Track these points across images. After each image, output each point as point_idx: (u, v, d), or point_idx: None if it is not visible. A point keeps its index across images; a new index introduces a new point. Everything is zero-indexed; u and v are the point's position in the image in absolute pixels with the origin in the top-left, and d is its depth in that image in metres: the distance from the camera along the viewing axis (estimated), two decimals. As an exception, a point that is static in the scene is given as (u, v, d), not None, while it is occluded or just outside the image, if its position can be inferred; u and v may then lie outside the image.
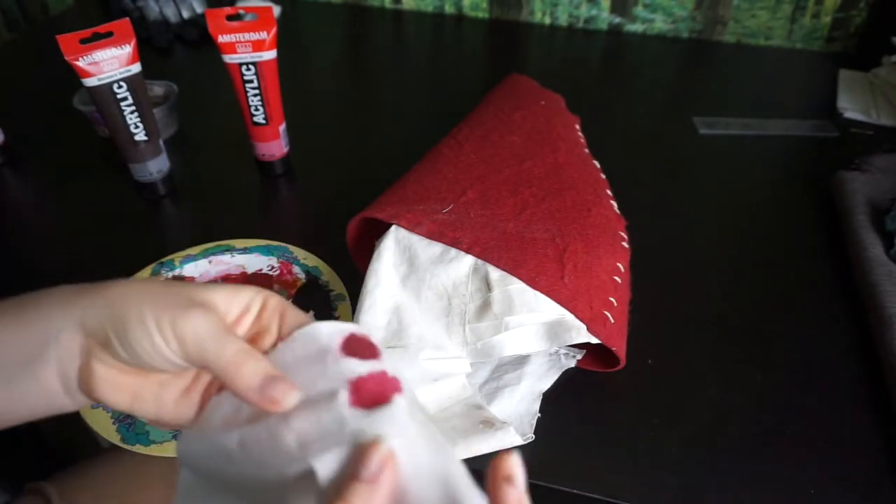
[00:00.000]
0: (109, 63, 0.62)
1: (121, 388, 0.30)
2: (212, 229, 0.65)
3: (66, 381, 0.29)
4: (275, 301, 0.32)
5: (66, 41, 0.59)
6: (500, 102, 0.67)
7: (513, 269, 0.46)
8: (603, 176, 0.60)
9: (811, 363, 0.53)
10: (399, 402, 0.27)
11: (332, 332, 0.30)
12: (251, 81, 0.67)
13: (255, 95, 0.68)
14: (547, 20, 1.14)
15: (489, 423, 0.44)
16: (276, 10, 1.13)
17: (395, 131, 0.84)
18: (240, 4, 1.12)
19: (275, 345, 0.32)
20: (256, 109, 0.70)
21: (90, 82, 0.61)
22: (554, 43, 1.10)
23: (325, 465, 0.26)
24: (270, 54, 0.67)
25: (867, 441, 0.48)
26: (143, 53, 0.64)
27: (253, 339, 0.32)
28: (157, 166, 0.70)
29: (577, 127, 0.67)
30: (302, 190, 0.75)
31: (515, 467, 0.25)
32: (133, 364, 0.29)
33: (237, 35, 0.65)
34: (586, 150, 0.64)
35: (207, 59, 1.01)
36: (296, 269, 0.60)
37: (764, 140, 0.82)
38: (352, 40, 1.12)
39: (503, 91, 0.70)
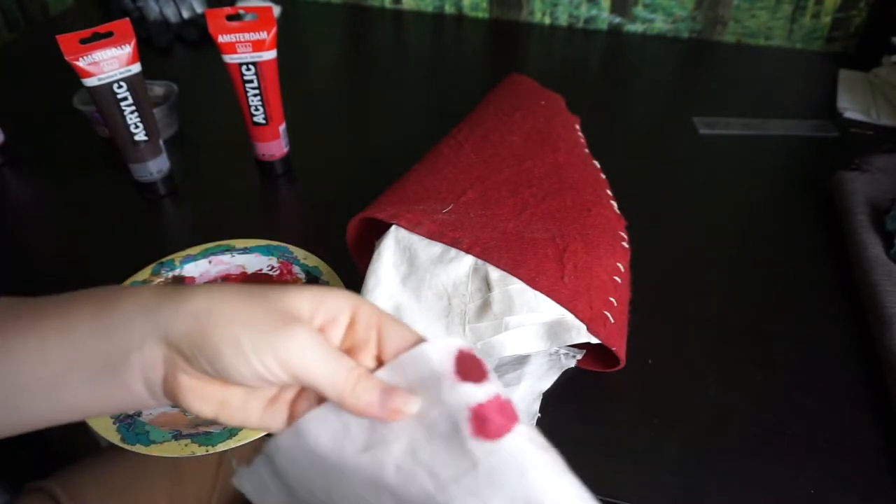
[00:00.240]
0: (109, 63, 0.62)
1: (207, 397, 0.29)
2: (212, 229, 0.65)
3: (151, 386, 0.29)
4: (367, 311, 0.30)
5: (66, 41, 0.59)
6: (500, 102, 0.67)
7: (513, 269, 0.46)
8: (603, 176, 0.60)
9: (811, 363, 0.53)
10: (521, 431, 0.27)
11: (442, 353, 0.28)
12: (251, 81, 0.67)
13: (255, 95, 0.68)
14: (547, 20, 1.14)
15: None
16: (276, 10, 1.13)
17: (395, 131, 0.84)
18: (240, 4, 1.12)
19: (377, 362, 0.30)
20: (256, 109, 0.70)
21: (90, 82, 0.61)
22: (554, 43, 1.09)
23: None
24: (270, 54, 0.67)
25: (867, 441, 0.48)
26: (143, 53, 0.64)
27: (352, 352, 0.30)
28: (157, 166, 0.70)
29: (577, 127, 0.67)
30: (302, 190, 0.75)
31: None
32: (221, 380, 0.28)
33: (237, 35, 0.65)
34: (586, 150, 0.64)
35: (207, 59, 1.01)
36: (296, 269, 0.60)
37: (764, 140, 0.82)
38: (352, 40, 1.12)
39: (503, 91, 0.70)
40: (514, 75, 0.74)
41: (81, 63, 0.60)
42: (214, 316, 0.27)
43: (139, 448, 0.45)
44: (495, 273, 0.46)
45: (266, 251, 0.61)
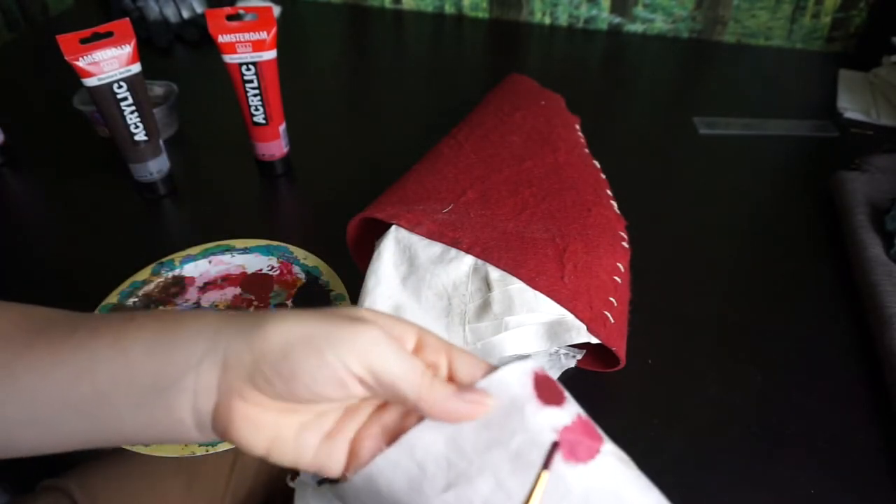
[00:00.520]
0: (109, 63, 0.62)
1: (261, 427, 0.27)
2: (212, 229, 0.65)
3: (199, 416, 0.27)
4: (434, 338, 0.30)
5: (66, 41, 0.59)
6: (500, 102, 0.67)
7: (513, 269, 0.46)
8: (603, 176, 0.60)
9: (811, 363, 0.53)
10: (609, 449, 0.27)
11: (521, 377, 0.28)
12: (251, 81, 0.67)
13: (255, 95, 0.68)
14: (547, 20, 1.14)
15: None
16: (276, 10, 1.13)
17: (395, 131, 0.85)
18: (240, 4, 1.12)
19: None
20: (256, 109, 0.70)
21: (90, 82, 0.61)
22: (554, 43, 1.10)
23: None
24: (270, 54, 0.67)
25: (867, 441, 0.48)
26: (143, 53, 0.64)
27: None
28: (157, 166, 0.70)
29: (577, 127, 0.67)
30: (302, 190, 0.75)
31: None
32: (282, 396, 0.27)
33: (237, 35, 0.65)
34: (586, 150, 0.64)
35: (207, 59, 1.01)
36: (296, 269, 0.60)
37: (764, 140, 0.82)
38: (352, 40, 1.12)
39: (503, 91, 0.70)
40: (514, 75, 0.74)
41: (81, 63, 0.60)
42: (286, 330, 0.27)
43: (139, 448, 0.45)
44: (495, 273, 0.46)
45: (266, 251, 0.61)
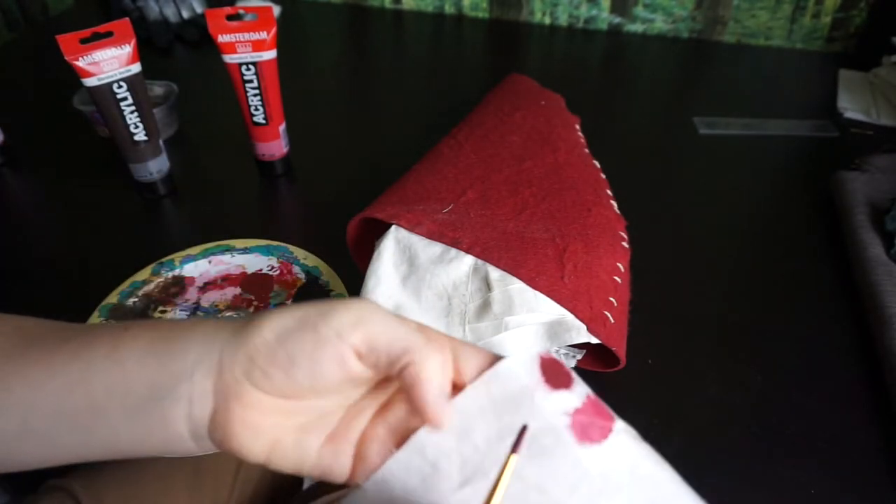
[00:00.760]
0: (109, 63, 0.62)
1: (259, 433, 0.27)
2: (212, 229, 0.65)
3: (195, 425, 0.27)
4: (436, 334, 0.29)
5: (66, 41, 0.59)
6: (500, 102, 0.67)
7: (513, 269, 0.46)
8: (603, 176, 0.60)
9: (811, 363, 0.53)
10: (620, 427, 0.27)
11: (527, 364, 0.27)
12: (251, 81, 0.67)
13: (255, 95, 0.68)
14: (547, 20, 1.14)
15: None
16: (276, 10, 1.13)
17: (395, 131, 0.85)
18: (240, 4, 1.12)
19: (456, 386, 0.28)
20: (256, 109, 0.70)
21: (90, 82, 0.61)
22: (554, 43, 1.10)
23: None
24: (270, 54, 0.67)
25: (867, 441, 0.48)
26: (143, 53, 0.64)
27: None
28: (157, 166, 0.70)
29: (577, 127, 0.67)
30: (302, 190, 0.75)
31: None
32: (282, 390, 0.26)
33: (237, 35, 0.65)
34: (586, 150, 0.64)
35: (207, 59, 1.01)
36: (296, 269, 0.60)
37: (764, 140, 0.82)
38: (352, 40, 1.12)
39: (503, 91, 0.70)
40: (514, 75, 0.74)
41: (81, 63, 0.60)
42: (288, 323, 0.26)
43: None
44: (495, 273, 0.46)
45: (266, 251, 0.61)
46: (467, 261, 0.47)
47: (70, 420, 0.27)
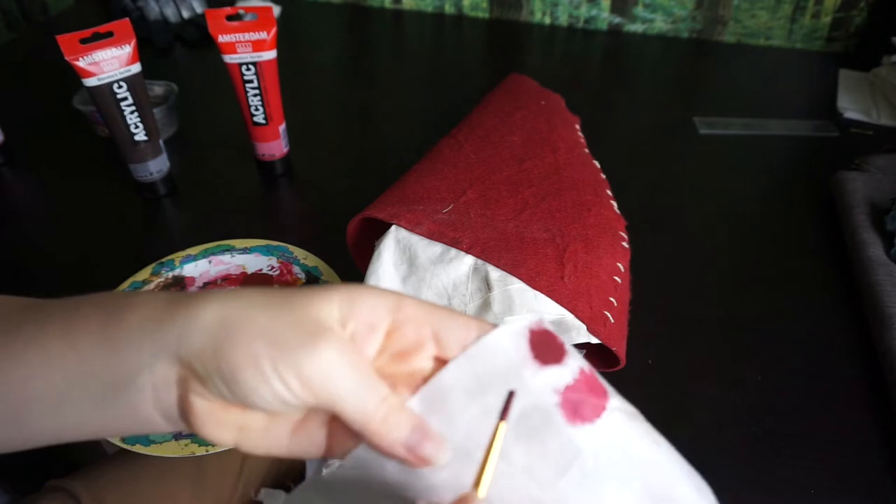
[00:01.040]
0: (109, 63, 0.62)
1: (223, 423, 0.25)
2: (212, 229, 0.65)
3: (164, 409, 0.26)
4: (413, 308, 0.26)
5: (66, 41, 0.59)
6: (500, 102, 0.67)
7: (513, 269, 0.46)
8: (603, 176, 0.60)
9: (811, 363, 0.53)
10: (614, 405, 0.25)
11: (515, 337, 0.26)
12: (251, 81, 0.67)
13: (255, 95, 0.68)
14: (547, 20, 1.14)
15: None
16: (276, 10, 1.13)
17: (395, 131, 0.85)
18: (240, 4, 1.12)
19: (437, 362, 0.27)
20: (256, 109, 0.70)
21: (90, 82, 0.61)
22: (554, 43, 1.10)
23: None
24: (270, 54, 0.67)
25: (867, 441, 0.48)
26: (143, 53, 0.64)
27: (400, 357, 0.27)
28: (157, 166, 0.70)
29: (577, 127, 0.67)
30: (302, 190, 0.75)
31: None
32: (239, 404, 0.25)
33: (237, 35, 0.65)
34: (586, 151, 0.64)
35: (207, 59, 1.01)
36: (296, 269, 0.60)
37: (764, 140, 0.82)
38: (352, 40, 1.12)
39: (503, 91, 0.70)
40: (514, 75, 0.74)
41: (81, 63, 0.60)
42: (230, 330, 0.24)
43: (139, 448, 0.45)
44: (495, 273, 0.46)
45: (266, 251, 0.61)
46: (467, 261, 0.47)
47: (36, 407, 0.26)
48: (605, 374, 0.52)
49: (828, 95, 0.92)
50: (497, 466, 0.24)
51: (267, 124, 0.71)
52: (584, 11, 1.11)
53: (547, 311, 0.45)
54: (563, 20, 1.13)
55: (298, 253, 0.61)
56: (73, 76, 0.61)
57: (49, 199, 0.73)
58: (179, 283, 0.59)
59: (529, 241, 0.48)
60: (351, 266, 0.57)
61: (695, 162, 0.79)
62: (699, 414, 0.49)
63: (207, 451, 0.44)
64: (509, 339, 0.26)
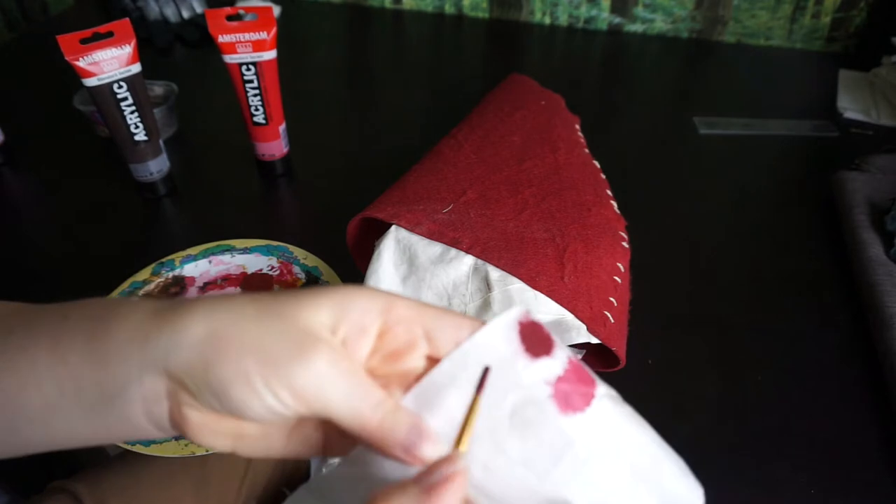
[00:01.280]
0: (109, 63, 0.62)
1: (218, 432, 0.25)
2: (212, 229, 0.65)
3: (155, 420, 0.25)
4: (404, 308, 0.26)
5: (66, 41, 0.59)
6: (501, 102, 0.67)
7: (513, 269, 0.46)
8: (603, 176, 0.60)
9: (811, 363, 0.53)
10: (602, 391, 0.26)
11: (506, 331, 0.26)
12: (251, 81, 0.67)
13: (255, 95, 0.68)
14: (547, 20, 1.14)
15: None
16: (276, 10, 1.13)
17: (395, 131, 0.84)
18: (240, 4, 1.12)
19: (429, 361, 0.27)
20: (256, 109, 0.70)
21: (90, 82, 0.61)
22: (554, 43, 1.10)
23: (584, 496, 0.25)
24: (270, 54, 0.67)
25: (867, 441, 0.48)
26: (143, 53, 0.64)
27: (392, 357, 0.27)
28: (157, 166, 0.70)
29: (577, 127, 0.67)
30: (302, 190, 0.75)
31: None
32: (232, 416, 0.25)
33: (237, 35, 0.65)
34: (586, 150, 0.64)
35: (207, 59, 1.01)
36: (296, 269, 0.60)
37: (764, 140, 0.82)
38: (352, 40, 1.12)
39: (503, 91, 0.70)
40: (515, 75, 0.74)
41: (81, 63, 0.60)
42: (218, 345, 0.23)
43: (139, 448, 0.45)
44: (495, 273, 0.46)
45: (266, 251, 0.61)
46: (467, 261, 0.47)
47: (26, 417, 0.26)
48: (605, 374, 0.52)
49: (828, 95, 0.92)
50: (496, 459, 0.25)
51: (267, 124, 0.71)
52: (584, 11, 1.11)
53: (547, 310, 0.45)
54: (563, 20, 1.13)
55: (298, 253, 0.61)
56: (73, 76, 0.61)
57: (49, 199, 0.73)
58: (179, 283, 0.59)
59: (529, 241, 0.48)
60: (351, 266, 0.57)
61: (695, 162, 0.79)
62: (699, 414, 0.49)
63: (207, 451, 0.45)
64: (500, 333, 0.26)
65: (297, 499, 0.28)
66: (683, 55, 1.05)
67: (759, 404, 0.50)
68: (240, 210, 0.71)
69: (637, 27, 1.10)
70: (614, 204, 0.57)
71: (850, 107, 0.88)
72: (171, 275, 0.59)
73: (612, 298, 0.48)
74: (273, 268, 0.60)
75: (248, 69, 0.67)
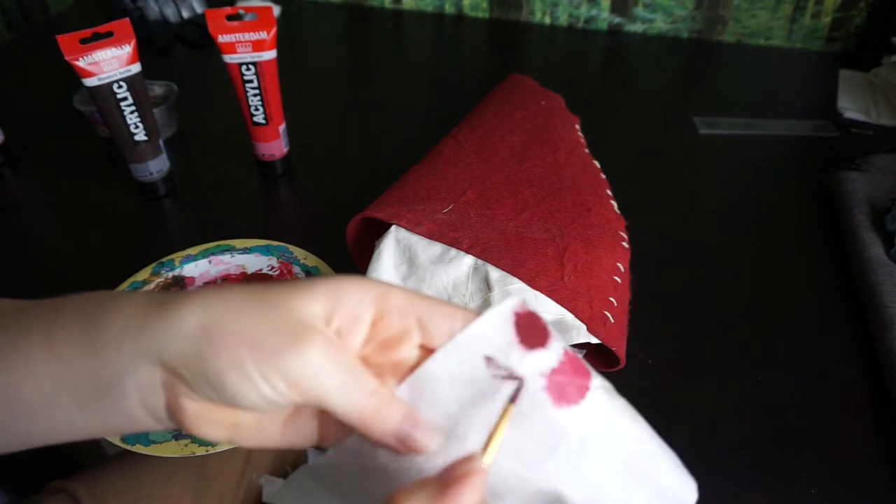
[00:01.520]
0: (109, 63, 0.62)
1: (216, 422, 0.26)
2: (212, 229, 0.65)
3: (152, 410, 0.26)
4: (398, 298, 0.26)
5: (66, 41, 0.59)
6: (501, 102, 0.67)
7: (513, 269, 0.46)
8: (603, 176, 0.60)
9: (811, 363, 0.53)
10: (597, 383, 0.26)
11: (501, 322, 0.26)
12: (251, 81, 0.67)
13: (255, 95, 0.68)
14: (547, 20, 1.14)
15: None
16: (276, 10, 1.13)
17: (395, 131, 0.84)
18: (240, 4, 1.12)
19: (423, 351, 0.27)
20: (256, 109, 0.70)
21: (90, 82, 0.61)
22: (554, 43, 1.10)
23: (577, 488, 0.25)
24: (270, 54, 0.67)
25: (867, 441, 0.48)
26: (143, 53, 0.64)
27: (386, 347, 0.27)
28: (157, 166, 0.70)
29: (577, 127, 0.67)
30: (302, 190, 0.75)
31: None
32: (228, 405, 0.25)
33: (237, 35, 0.65)
34: (586, 150, 0.64)
35: (207, 59, 1.01)
36: (296, 269, 0.60)
37: (764, 140, 0.82)
38: (352, 40, 1.12)
39: (503, 91, 0.70)
40: (515, 75, 0.74)
41: (81, 63, 0.60)
42: (212, 335, 0.24)
43: (139, 448, 0.45)
44: (495, 273, 0.46)
45: (266, 251, 0.61)
46: (467, 261, 0.47)
47: (23, 411, 0.26)
48: (605, 375, 0.52)
49: (828, 95, 0.92)
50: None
51: (267, 124, 0.71)
52: (584, 11, 1.11)
53: (547, 310, 0.45)
54: (563, 20, 1.13)
55: (298, 253, 0.61)
56: (73, 76, 0.61)
57: (49, 199, 0.73)
58: (179, 283, 0.59)
59: (529, 241, 0.48)
60: (351, 266, 0.57)
61: (695, 162, 0.79)
62: (699, 414, 0.49)
63: (208, 451, 0.44)
64: (495, 324, 0.26)
65: (297, 478, 0.29)
66: (683, 55, 1.05)
67: (759, 404, 0.50)
68: (240, 210, 0.71)
69: (637, 27, 1.10)
70: (614, 204, 0.57)
71: (850, 107, 0.88)
72: (170, 275, 0.59)
73: (612, 298, 0.48)
74: (273, 268, 0.60)
75: (248, 69, 0.67)
